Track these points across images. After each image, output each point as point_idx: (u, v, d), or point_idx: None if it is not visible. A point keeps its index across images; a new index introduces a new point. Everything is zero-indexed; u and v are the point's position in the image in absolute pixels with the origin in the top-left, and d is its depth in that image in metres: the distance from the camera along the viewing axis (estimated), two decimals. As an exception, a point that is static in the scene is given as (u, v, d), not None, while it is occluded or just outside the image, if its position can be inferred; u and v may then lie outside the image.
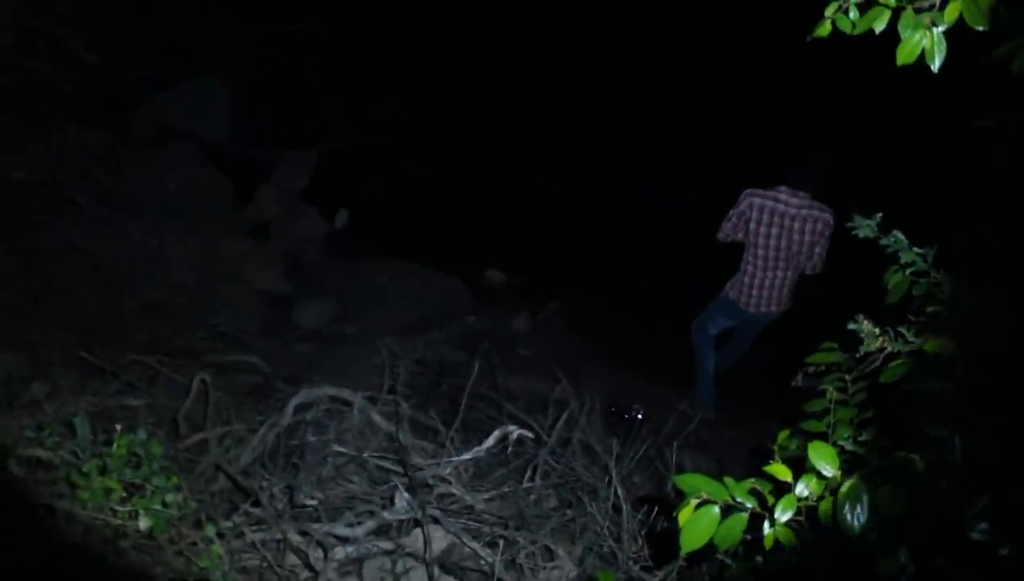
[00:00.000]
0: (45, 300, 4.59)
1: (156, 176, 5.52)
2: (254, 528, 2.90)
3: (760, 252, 4.22)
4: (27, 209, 4.33)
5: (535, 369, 4.86)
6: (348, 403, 3.67)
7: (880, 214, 2.57)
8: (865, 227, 2.56)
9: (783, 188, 4.14)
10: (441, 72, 6.54)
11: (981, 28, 1.60)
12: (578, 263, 5.56)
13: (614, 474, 3.33)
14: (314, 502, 3.01)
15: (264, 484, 3.15)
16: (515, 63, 6.62)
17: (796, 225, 4.14)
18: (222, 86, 6.25)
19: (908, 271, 2.42)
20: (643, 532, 3.18)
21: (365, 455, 3.46)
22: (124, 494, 2.68)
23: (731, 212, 4.23)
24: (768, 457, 2.07)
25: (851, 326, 2.40)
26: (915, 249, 2.47)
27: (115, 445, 2.78)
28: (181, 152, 5.84)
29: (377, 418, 3.63)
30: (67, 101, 4.86)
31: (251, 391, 4.32)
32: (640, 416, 4.25)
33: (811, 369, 2.51)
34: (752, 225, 4.18)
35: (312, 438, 3.47)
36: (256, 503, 3.05)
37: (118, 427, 2.81)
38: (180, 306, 4.88)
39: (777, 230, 4.16)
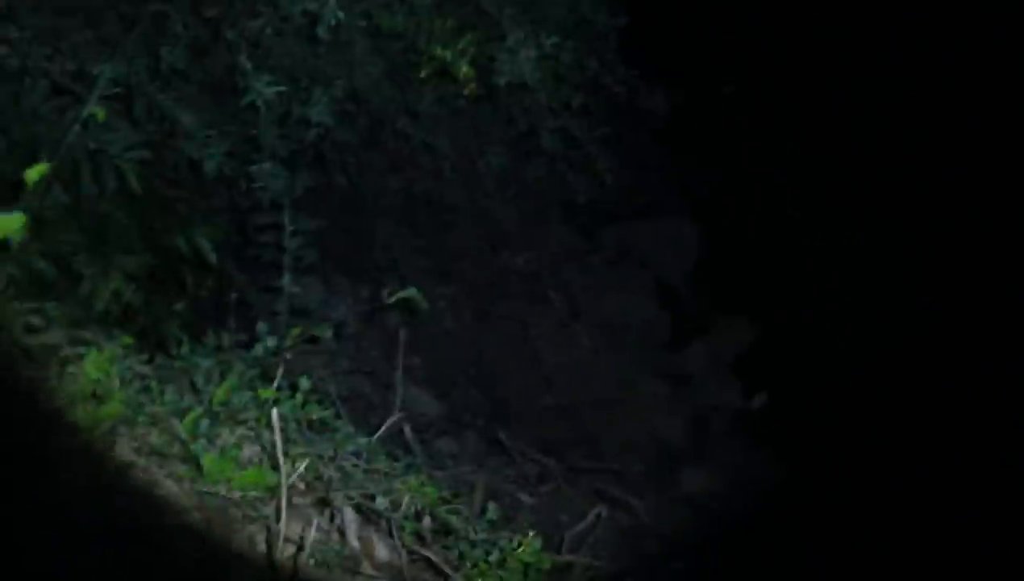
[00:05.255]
0: (482, 367, 5.00)
1: (611, 292, 5.82)
2: None
3: None
4: (509, 289, 4.78)
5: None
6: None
7: None
8: None
9: None
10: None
11: None
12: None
13: None
14: None
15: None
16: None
17: None
18: (696, 233, 6.46)
19: None
20: None
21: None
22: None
23: None
24: None
25: None
26: None
27: (521, 548, 2.90)
28: (636, 278, 6.11)
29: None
30: (570, 208, 5.31)
31: (620, 532, 4.36)
32: None
33: None
34: None
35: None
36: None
37: (531, 533, 2.93)
38: (589, 418, 5.07)
39: None
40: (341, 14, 3.44)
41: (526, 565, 2.93)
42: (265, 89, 3.51)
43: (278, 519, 2.44)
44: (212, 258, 3.64)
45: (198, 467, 2.52)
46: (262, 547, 2.52)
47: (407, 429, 3.93)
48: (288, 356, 3.07)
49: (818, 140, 6.66)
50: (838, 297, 6.13)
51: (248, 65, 3.57)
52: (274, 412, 2.45)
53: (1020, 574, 4.18)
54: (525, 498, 4.09)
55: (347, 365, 4.12)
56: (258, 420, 2.71)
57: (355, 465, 2.96)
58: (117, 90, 3.21)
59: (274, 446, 2.52)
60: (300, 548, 2.41)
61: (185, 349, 3.06)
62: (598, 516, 3.77)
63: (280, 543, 2.41)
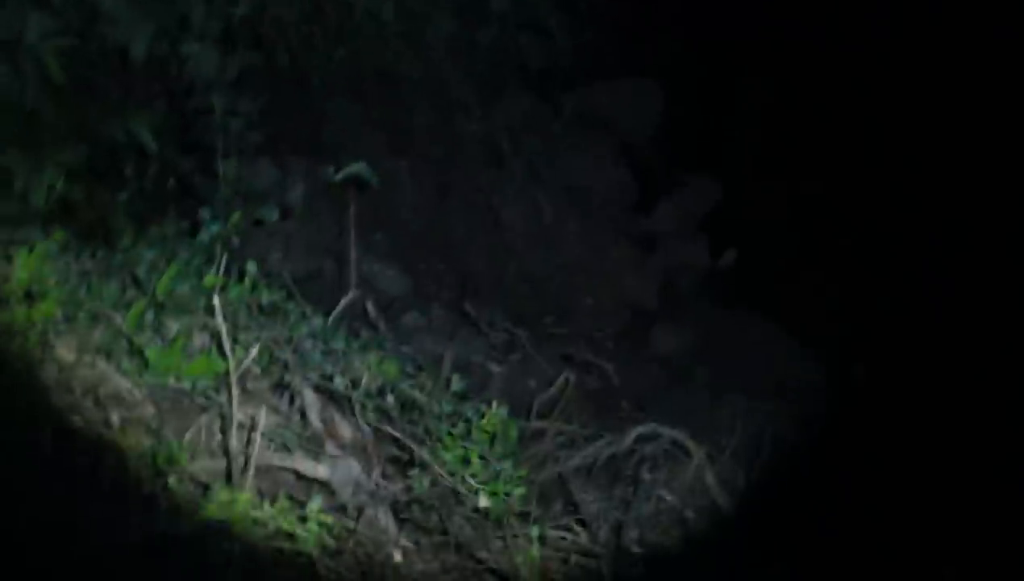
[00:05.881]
0: (445, 239, 4.92)
1: (573, 157, 5.70)
2: (576, 551, 2.91)
3: None
4: (468, 159, 4.67)
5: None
6: (688, 452, 3.59)
7: None
8: None
9: None
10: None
11: None
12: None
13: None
14: (640, 550, 2.96)
15: (594, 506, 3.16)
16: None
17: None
18: (658, 95, 6.31)
19: None
20: None
21: (688, 513, 3.39)
22: (478, 468, 2.76)
23: None
24: None
25: None
26: None
27: (485, 419, 2.88)
28: (599, 142, 5.98)
29: (711, 482, 3.52)
30: (526, 71, 5.14)
31: (593, 396, 4.36)
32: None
33: None
34: None
35: (647, 476, 3.43)
36: (581, 521, 3.07)
37: (494, 403, 2.92)
38: (557, 285, 5.04)
39: None
40: None
41: (492, 435, 2.93)
42: (189, -37, 3.32)
43: (230, 406, 2.39)
44: (152, 145, 3.49)
45: (145, 361, 2.46)
46: (218, 435, 2.49)
47: (369, 306, 3.87)
48: (235, 241, 2.97)
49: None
50: (804, 153, 6.04)
51: (169, -62, 3.37)
52: (216, 298, 2.38)
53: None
54: (494, 368, 4.07)
55: (303, 246, 4.02)
56: (205, 308, 2.64)
57: (313, 346, 2.91)
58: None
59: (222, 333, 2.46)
60: (252, 433, 2.37)
61: (127, 241, 2.97)
62: (567, 381, 3.75)
63: (233, 430, 2.38)
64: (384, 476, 2.75)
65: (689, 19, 6.27)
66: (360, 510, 2.58)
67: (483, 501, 2.75)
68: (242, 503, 2.14)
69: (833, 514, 3.70)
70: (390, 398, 2.94)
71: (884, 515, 3.73)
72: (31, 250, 2.57)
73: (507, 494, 2.74)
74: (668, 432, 3.61)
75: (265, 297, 2.83)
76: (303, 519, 2.24)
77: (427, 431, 2.93)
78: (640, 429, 3.57)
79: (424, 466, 2.76)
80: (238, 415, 2.43)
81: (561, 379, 3.73)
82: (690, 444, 3.56)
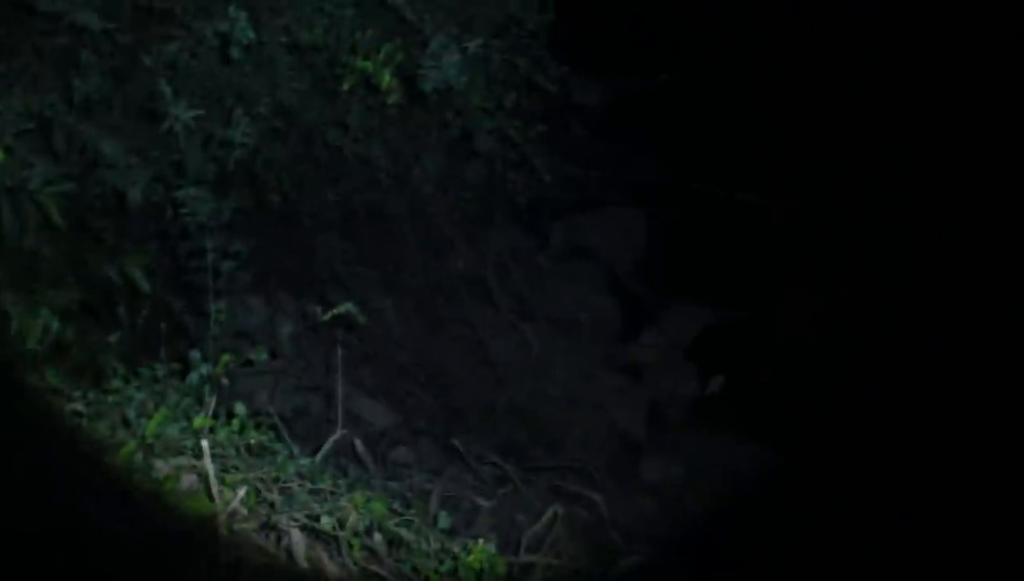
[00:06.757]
0: (434, 373, 4.97)
1: (559, 288, 5.82)
2: None
3: None
4: (456, 293, 4.78)
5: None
6: (678, 585, 3.58)
7: None
8: None
9: None
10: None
11: None
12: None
13: None
14: None
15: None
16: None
17: None
18: (642, 224, 6.47)
19: None
20: None
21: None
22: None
23: None
24: None
25: None
26: None
27: (471, 555, 2.88)
28: (585, 272, 6.12)
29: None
30: (512, 207, 5.31)
31: (582, 528, 4.34)
32: None
33: None
34: None
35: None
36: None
37: (481, 539, 2.93)
38: (546, 416, 5.07)
39: None
40: (252, 33, 3.41)
41: (479, 571, 2.92)
42: (184, 113, 3.47)
43: (216, 547, 2.40)
44: (145, 286, 3.58)
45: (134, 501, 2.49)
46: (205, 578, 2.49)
47: (358, 443, 3.89)
48: (224, 381, 3.03)
49: (757, 122, 6.68)
50: (787, 277, 6.16)
51: (167, 90, 3.52)
52: (203, 442, 2.42)
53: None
54: (483, 502, 4.06)
55: (292, 384, 4.08)
56: (194, 449, 2.68)
57: (300, 486, 2.93)
58: (30, 126, 3.16)
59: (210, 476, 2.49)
60: (238, 575, 2.38)
61: (118, 382, 3.02)
62: (555, 514, 3.76)
63: (221, 572, 2.38)
64: (371, 617, 2.74)
65: (665, 150, 6.50)
66: (346, 653, 2.56)
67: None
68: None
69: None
70: (377, 536, 2.94)
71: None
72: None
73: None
74: (658, 564, 3.61)
75: (253, 438, 2.87)
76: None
77: (415, 569, 2.92)
78: (629, 562, 3.58)
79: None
80: (225, 557, 2.44)
81: (550, 512, 3.73)
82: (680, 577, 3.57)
